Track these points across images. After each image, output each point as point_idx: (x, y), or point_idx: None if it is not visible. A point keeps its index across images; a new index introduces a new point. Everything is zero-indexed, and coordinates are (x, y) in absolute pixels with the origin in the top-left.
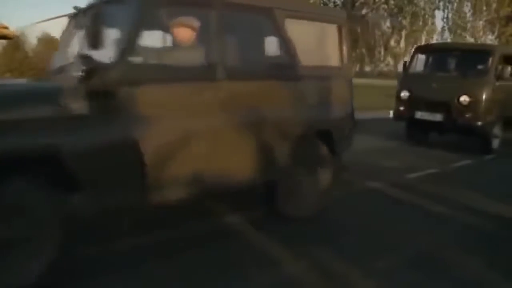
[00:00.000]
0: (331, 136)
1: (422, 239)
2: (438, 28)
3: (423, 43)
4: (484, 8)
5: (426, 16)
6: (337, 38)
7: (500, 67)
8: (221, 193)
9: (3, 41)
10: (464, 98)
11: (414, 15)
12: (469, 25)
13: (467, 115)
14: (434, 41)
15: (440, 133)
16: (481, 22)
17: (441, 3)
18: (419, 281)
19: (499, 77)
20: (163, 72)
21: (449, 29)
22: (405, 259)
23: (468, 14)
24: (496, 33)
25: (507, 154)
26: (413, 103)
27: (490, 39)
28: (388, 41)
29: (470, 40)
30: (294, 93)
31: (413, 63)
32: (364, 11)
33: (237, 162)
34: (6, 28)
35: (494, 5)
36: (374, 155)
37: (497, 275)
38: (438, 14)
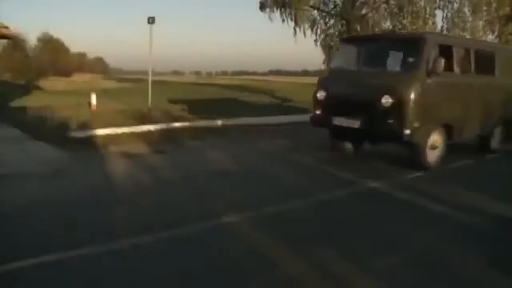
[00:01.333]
0: None
1: (422, 239)
2: (439, 28)
3: None
4: (484, 8)
5: (427, 15)
6: None
7: (434, 59)
8: None
9: (3, 41)
10: (385, 100)
11: (415, 15)
12: (468, 24)
13: (389, 121)
14: None
15: (371, 143)
16: (480, 22)
17: (441, 3)
18: (419, 281)
19: (432, 72)
20: None
21: (448, 29)
22: (405, 259)
23: (468, 14)
24: (496, 33)
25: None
26: (329, 106)
27: (490, 38)
28: None
29: None
30: None
31: (338, 57)
32: (364, 11)
33: None
34: (6, 28)
35: (494, 5)
36: (374, 155)
37: (497, 274)
38: (439, 13)
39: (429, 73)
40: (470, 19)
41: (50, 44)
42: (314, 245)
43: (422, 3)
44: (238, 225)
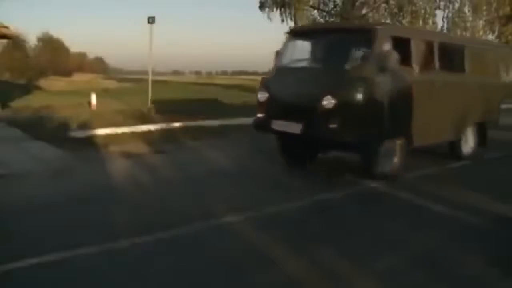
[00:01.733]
0: None
1: (422, 239)
2: (439, 27)
3: None
4: (484, 7)
5: (427, 15)
6: None
7: (386, 54)
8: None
9: (3, 41)
10: (327, 101)
11: (414, 14)
12: (469, 24)
13: (331, 126)
14: None
15: (322, 151)
16: (481, 22)
17: (442, 3)
18: (419, 281)
19: (384, 68)
20: None
21: (448, 29)
22: (405, 259)
23: (468, 14)
24: (496, 33)
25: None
26: (271, 109)
27: (490, 38)
28: None
29: None
30: None
31: (284, 53)
32: (364, 11)
33: None
34: (6, 27)
35: (494, 5)
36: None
37: (497, 274)
38: (439, 13)
39: (381, 70)
40: (470, 18)
41: (50, 44)
42: (314, 245)
43: (421, 3)
44: (238, 225)
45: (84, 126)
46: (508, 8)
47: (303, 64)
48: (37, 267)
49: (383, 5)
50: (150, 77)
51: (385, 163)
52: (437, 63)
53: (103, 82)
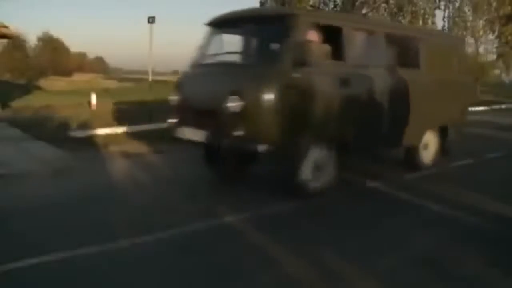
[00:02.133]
0: None
1: (422, 239)
2: (440, 27)
3: None
4: (485, 7)
5: (426, 15)
6: None
7: (307, 45)
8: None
9: (3, 41)
10: (232, 103)
11: (414, 14)
12: (469, 24)
13: (237, 132)
14: None
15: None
16: (481, 22)
17: (442, 3)
18: (419, 281)
19: (304, 61)
20: None
21: (449, 29)
22: (405, 259)
23: (468, 14)
24: (496, 33)
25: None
26: (180, 113)
27: (490, 38)
28: None
29: (470, 40)
30: None
31: (201, 48)
32: (364, 11)
33: None
34: (6, 27)
35: (494, 4)
36: (373, 154)
37: (497, 274)
38: (439, 13)
39: (299, 63)
40: (471, 18)
41: (50, 44)
42: (314, 245)
43: (421, 3)
44: (239, 225)
45: (84, 126)
46: (508, 8)
47: (217, 60)
48: (37, 267)
49: (383, 5)
50: (150, 77)
51: (312, 176)
52: (381, 57)
53: (103, 82)
